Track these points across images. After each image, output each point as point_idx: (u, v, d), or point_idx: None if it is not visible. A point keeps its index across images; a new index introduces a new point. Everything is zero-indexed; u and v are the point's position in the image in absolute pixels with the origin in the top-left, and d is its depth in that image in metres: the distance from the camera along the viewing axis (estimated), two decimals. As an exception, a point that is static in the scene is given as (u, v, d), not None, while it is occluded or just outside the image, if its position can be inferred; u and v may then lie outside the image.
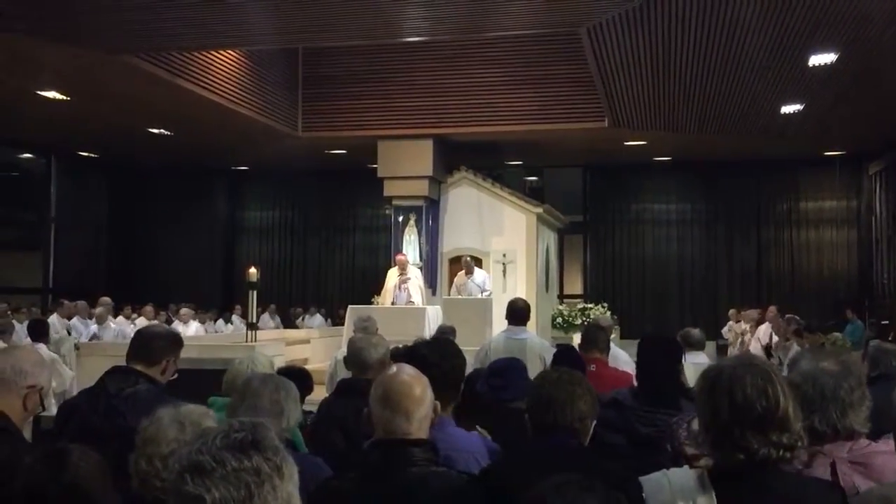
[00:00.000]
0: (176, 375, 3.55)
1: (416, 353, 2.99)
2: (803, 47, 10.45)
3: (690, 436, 2.81)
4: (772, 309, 12.94)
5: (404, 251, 14.15)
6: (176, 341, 3.54)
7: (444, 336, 4.66)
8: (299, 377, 3.86)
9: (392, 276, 12.74)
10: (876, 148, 16.76)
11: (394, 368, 2.51)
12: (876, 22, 9.52)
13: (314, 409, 4.87)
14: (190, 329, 14.21)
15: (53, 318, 11.64)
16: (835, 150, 17.45)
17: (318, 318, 18.38)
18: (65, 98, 12.94)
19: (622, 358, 5.86)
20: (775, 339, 11.11)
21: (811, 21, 9.50)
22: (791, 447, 1.98)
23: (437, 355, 3.03)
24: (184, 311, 14.61)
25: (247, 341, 10.85)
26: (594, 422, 2.67)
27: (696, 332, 6.15)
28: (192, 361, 8.35)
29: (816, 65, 11.05)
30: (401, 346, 5.31)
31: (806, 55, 10.75)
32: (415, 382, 2.39)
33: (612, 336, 13.68)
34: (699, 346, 6.12)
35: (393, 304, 12.33)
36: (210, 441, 1.40)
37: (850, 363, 2.47)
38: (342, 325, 13.09)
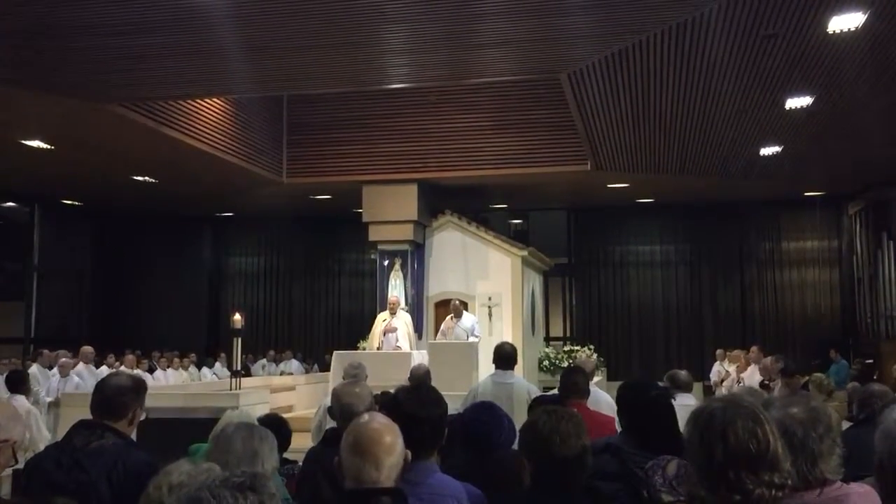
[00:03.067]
0: (144, 415, 3.51)
1: (400, 409, 2.96)
2: (780, 90, 10.65)
3: (666, 482, 2.77)
4: (753, 349, 12.96)
5: (390, 295, 14.12)
6: (139, 389, 3.46)
7: (422, 382, 4.62)
8: (276, 426, 3.84)
9: (380, 320, 12.70)
10: (855, 188, 17.00)
11: (365, 416, 2.49)
12: (850, 64, 9.73)
13: (298, 456, 4.82)
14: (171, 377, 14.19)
15: (34, 369, 11.50)
16: (814, 190, 17.67)
17: (296, 364, 18.37)
18: (49, 147, 12.96)
19: (604, 401, 5.84)
20: (757, 378, 11.12)
21: (787, 65, 9.70)
22: (783, 486, 2.01)
23: (420, 407, 3.02)
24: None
25: (231, 389, 10.75)
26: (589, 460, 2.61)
27: (682, 373, 6.16)
28: (178, 410, 8.30)
29: (793, 108, 11.25)
30: (379, 393, 5.27)
31: (783, 98, 10.94)
32: (385, 430, 2.38)
33: (599, 378, 13.69)
34: (686, 388, 6.12)
35: (379, 348, 12.27)
36: (211, 481, 1.51)
37: (818, 410, 2.42)
38: (328, 370, 13.01)
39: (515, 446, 3.86)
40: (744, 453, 2.01)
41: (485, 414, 3.80)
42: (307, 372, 17.29)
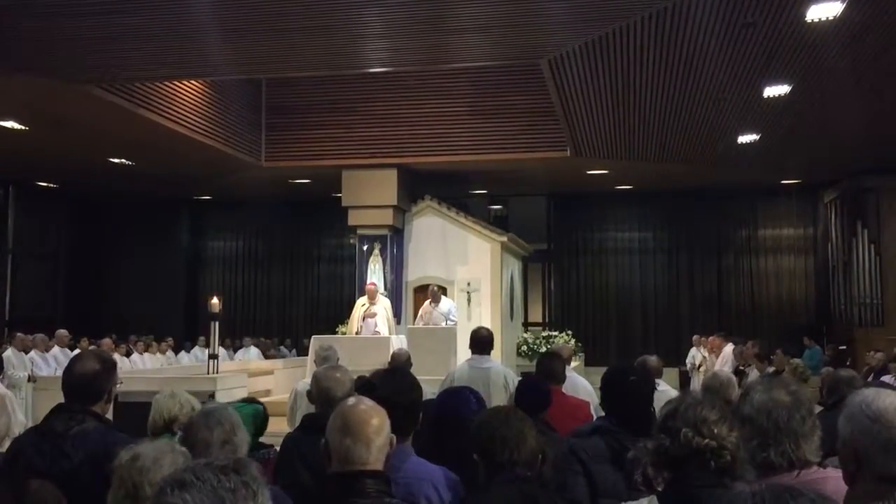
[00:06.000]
0: (121, 383, 3.48)
1: (375, 394, 2.98)
2: (758, 78, 10.70)
3: (645, 480, 2.80)
4: (712, 338, 13.17)
5: (369, 280, 14.11)
6: (109, 369, 3.38)
7: (399, 367, 4.65)
8: (255, 413, 3.82)
9: (359, 305, 12.70)
10: (830, 177, 17.15)
11: (352, 399, 2.53)
12: (828, 54, 9.80)
13: (275, 440, 4.81)
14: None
15: (9, 352, 11.41)
16: (791, 178, 17.83)
17: (254, 351, 17.37)
18: (23, 128, 12.79)
19: (582, 386, 5.88)
20: (727, 363, 11.29)
21: (766, 53, 9.75)
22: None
23: (394, 392, 3.04)
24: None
25: (209, 373, 10.72)
26: (541, 457, 2.72)
27: (652, 359, 6.19)
28: (154, 395, 8.27)
29: (771, 96, 11.32)
30: (356, 377, 5.28)
31: (761, 86, 11.01)
32: (373, 412, 2.42)
33: (576, 364, 13.78)
34: (656, 374, 6.16)
35: (358, 333, 12.28)
36: (194, 464, 1.53)
37: (800, 393, 2.50)
38: (306, 355, 13.00)
39: None
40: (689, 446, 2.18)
41: (452, 398, 3.85)
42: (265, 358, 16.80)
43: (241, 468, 1.51)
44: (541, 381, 4.74)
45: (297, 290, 20.92)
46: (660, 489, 2.62)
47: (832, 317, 17.84)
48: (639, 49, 9.75)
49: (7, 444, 3.55)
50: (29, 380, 11.25)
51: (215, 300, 10.99)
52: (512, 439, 2.65)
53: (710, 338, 14.54)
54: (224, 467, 1.50)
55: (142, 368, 14.08)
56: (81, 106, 11.57)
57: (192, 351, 16.93)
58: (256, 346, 17.77)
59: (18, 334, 12.64)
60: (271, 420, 4.82)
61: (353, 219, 15.14)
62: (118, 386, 3.43)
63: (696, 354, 15.14)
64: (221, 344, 16.83)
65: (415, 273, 15.54)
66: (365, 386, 3.49)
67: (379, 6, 8.56)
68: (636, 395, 3.55)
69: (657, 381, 5.96)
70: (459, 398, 3.87)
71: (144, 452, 2.39)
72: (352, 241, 16.03)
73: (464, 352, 9.21)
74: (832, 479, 2.34)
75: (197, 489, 1.44)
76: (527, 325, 18.85)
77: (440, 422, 3.62)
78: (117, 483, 2.38)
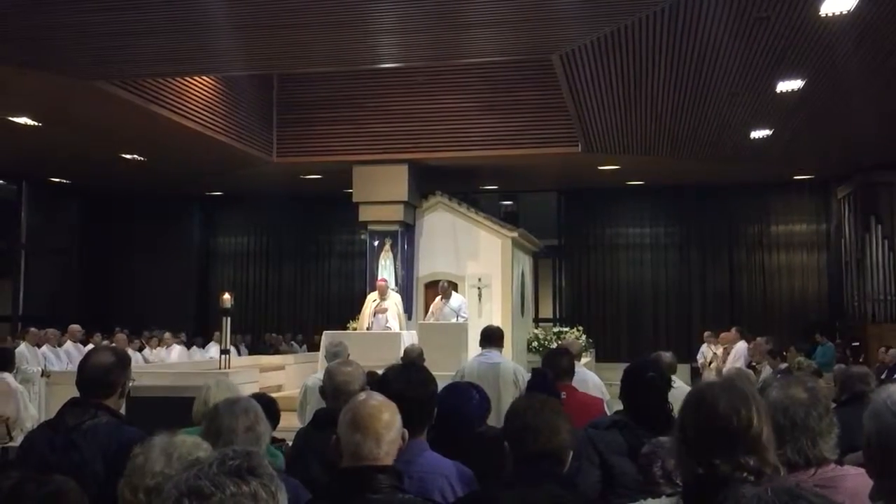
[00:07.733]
0: (134, 380, 3.49)
1: (389, 389, 2.98)
2: (771, 74, 10.64)
3: (665, 474, 2.78)
4: (726, 334, 13.09)
5: (380, 276, 14.11)
6: (122, 364, 3.41)
7: (413, 362, 4.64)
8: (266, 406, 3.83)
9: (370, 301, 12.71)
10: (843, 172, 17.05)
11: (362, 395, 2.53)
12: (842, 48, 9.73)
13: (285, 435, 4.82)
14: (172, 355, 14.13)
15: (22, 348, 11.47)
16: (804, 174, 17.72)
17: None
18: (36, 124, 12.85)
19: (591, 381, 5.86)
20: (741, 359, 11.24)
21: (778, 48, 9.69)
22: (759, 472, 1.89)
23: (408, 387, 3.03)
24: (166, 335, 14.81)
25: (221, 368, 10.76)
26: (571, 452, 2.68)
27: (667, 355, 6.17)
28: (167, 389, 8.31)
29: (784, 91, 11.26)
30: (378, 371, 5.28)
31: (774, 81, 10.95)
32: (384, 407, 2.42)
33: (587, 360, 13.70)
34: (671, 370, 6.15)
35: (369, 329, 12.29)
36: (207, 467, 1.43)
37: (817, 390, 2.47)
38: (317, 350, 13.01)
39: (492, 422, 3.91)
40: (718, 429, 1.91)
41: (454, 395, 3.84)
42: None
43: (255, 467, 1.44)
44: (551, 377, 4.74)
45: (308, 285, 20.96)
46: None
47: (845, 313, 17.74)
48: (651, 44, 9.71)
49: (20, 437, 3.57)
50: (42, 375, 11.30)
51: (227, 296, 11.03)
52: (544, 430, 2.59)
53: (725, 333, 14.46)
54: (238, 469, 1.42)
55: (153, 363, 14.13)
56: (93, 102, 11.61)
57: (181, 347, 16.31)
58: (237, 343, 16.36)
59: (31, 329, 12.71)
60: (284, 415, 4.83)
61: (364, 214, 15.14)
62: (131, 383, 3.44)
63: (706, 351, 15.06)
64: (193, 342, 16.66)
65: (425, 269, 15.53)
66: (379, 381, 3.48)
67: (390, 1, 8.55)
68: (652, 392, 3.56)
69: (672, 377, 5.96)
70: (461, 395, 3.87)
71: (155, 450, 2.39)
72: (363, 236, 16.04)
73: (474, 348, 9.20)
74: (850, 476, 2.32)
75: (217, 500, 1.37)
76: (537, 320, 18.81)
77: (442, 419, 3.62)
78: (127, 479, 2.39)
